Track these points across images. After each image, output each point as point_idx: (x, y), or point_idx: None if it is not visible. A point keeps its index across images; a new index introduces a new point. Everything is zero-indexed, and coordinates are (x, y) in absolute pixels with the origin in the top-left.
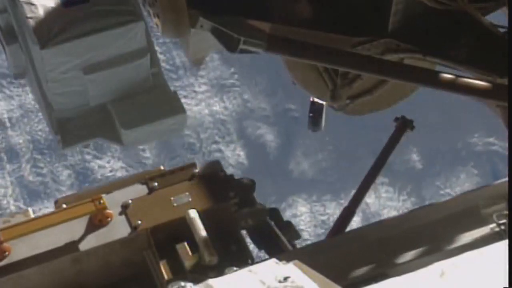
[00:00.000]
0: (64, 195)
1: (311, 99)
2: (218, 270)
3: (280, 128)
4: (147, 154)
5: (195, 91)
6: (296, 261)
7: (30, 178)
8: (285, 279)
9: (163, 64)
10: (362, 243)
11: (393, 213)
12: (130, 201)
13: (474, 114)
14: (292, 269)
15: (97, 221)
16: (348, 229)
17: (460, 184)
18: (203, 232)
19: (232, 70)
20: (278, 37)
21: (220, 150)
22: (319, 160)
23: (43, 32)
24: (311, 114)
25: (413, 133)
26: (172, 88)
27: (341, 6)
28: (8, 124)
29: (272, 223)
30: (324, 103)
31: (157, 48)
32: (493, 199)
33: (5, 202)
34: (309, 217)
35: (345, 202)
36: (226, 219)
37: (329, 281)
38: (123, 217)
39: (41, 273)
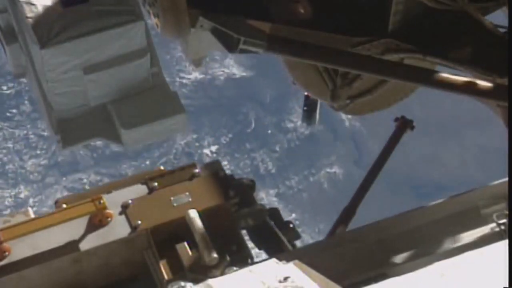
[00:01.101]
0: None
1: (305, 94)
2: (218, 270)
3: None
4: None
5: None
6: (296, 261)
7: None
8: (285, 279)
9: None
10: (362, 243)
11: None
12: (130, 201)
13: None
14: (292, 269)
15: (97, 221)
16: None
17: None
18: (203, 232)
19: (292, 212)
20: (278, 37)
21: None
22: None
23: (43, 32)
24: (305, 108)
25: None
26: None
27: (341, 6)
28: None
29: (272, 223)
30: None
31: None
32: (493, 199)
33: None
34: None
35: None
36: (226, 219)
37: (329, 281)
38: (123, 217)
39: (41, 273)
